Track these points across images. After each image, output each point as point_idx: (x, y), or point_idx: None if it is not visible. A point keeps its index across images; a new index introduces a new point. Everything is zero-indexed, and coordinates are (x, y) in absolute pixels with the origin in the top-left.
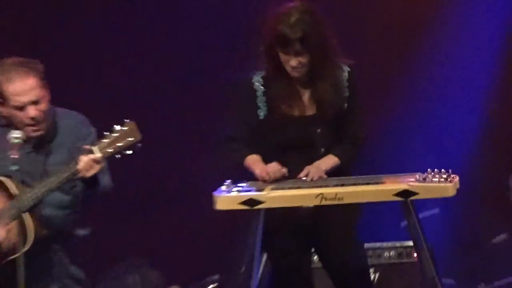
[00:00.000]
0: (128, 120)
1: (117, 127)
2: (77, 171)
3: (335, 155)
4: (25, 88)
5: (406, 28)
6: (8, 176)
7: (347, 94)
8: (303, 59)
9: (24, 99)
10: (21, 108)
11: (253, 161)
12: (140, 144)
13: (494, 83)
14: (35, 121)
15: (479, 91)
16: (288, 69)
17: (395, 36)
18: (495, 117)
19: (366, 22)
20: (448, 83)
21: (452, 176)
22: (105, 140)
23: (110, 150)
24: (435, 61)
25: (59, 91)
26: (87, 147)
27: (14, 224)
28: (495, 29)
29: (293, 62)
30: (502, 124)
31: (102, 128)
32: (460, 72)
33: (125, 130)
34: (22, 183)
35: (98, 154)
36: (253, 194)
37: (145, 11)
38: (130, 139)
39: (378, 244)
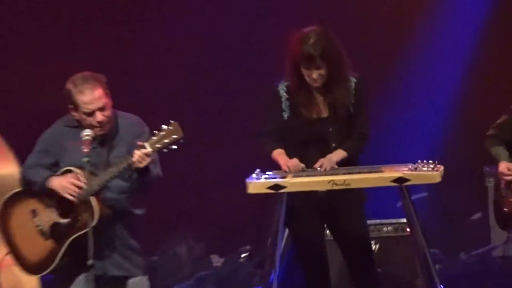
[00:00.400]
0: (173, 121)
1: (164, 127)
2: (132, 163)
3: (344, 149)
4: (93, 98)
5: (396, 32)
6: (80, 167)
7: (353, 100)
8: (322, 72)
9: (92, 107)
10: (90, 114)
11: (278, 154)
12: (182, 141)
13: (470, 82)
14: (101, 124)
15: (457, 92)
16: (309, 80)
17: (386, 38)
18: (471, 115)
19: (361, 24)
20: (433, 88)
21: (438, 166)
22: (154, 137)
23: (158, 146)
24: (418, 65)
25: (120, 96)
26: (140, 143)
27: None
28: (468, 30)
29: (315, 75)
30: (477, 121)
31: (153, 127)
32: (442, 75)
33: (171, 129)
34: (91, 173)
35: (149, 149)
36: (277, 180)
37: (189, 22)
38: (174, 136)
39: (378, 221)
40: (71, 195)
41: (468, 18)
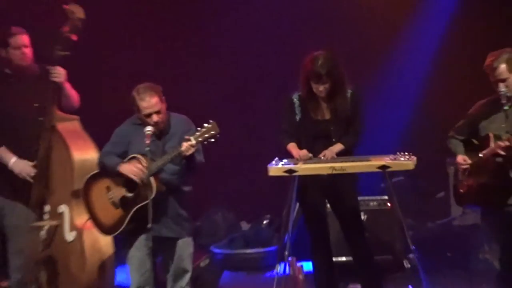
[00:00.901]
0: (212, 121)
1: (206, 125)
2: (181, 152)
3: (342, 143)
4: (150, 104)
5: (374, 38)
6: (142, 154)
7: (350, 106)
8: (327, 86)
9: (150, 111)
10: (148, 116)
11: (292, 146)
12: (219, 135)
13: (435, 85)
14: (156, 123)
15: (424, 94)
16: (316, 91)
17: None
18: (435, 114)
19: (343, 31)
20: (404, 89)
21: (411, 156)
22: (198, 133)
23: (200, 139)
24: (392, 69)
25: (173, 100)
26: (187, 137)
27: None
28: (433, 37)
29: (321, 88)
30: (441, 119)
31: (197, 124)
32: (410, 79)
33: (210, 126)
34: (151, 159)
35: (193, 141)
36: (291, 166)
37: (228, 41)
38: (213, 132)
39: (366, 197)
40: (135, 176)
41: (434, 25)
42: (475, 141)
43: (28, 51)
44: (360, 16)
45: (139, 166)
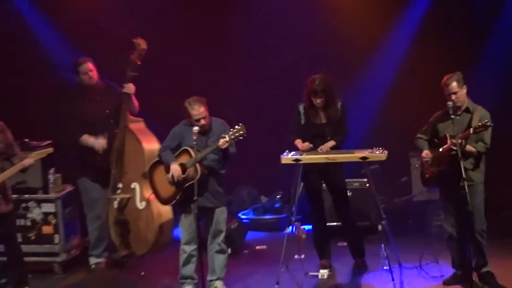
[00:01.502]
0: (241, 124)
1: (237, 126)
2: (218, 146)
3: (334, 140)
4: (199, 112)
5: (353, 47)
6: (191, 147)
7: (340, 114)
8: (322, 99)
9: (199, 117)
10: (197, 120)
11: (298, 142)
12: (246, 135)
13: (399, 92)
14: (202, 126)
15: (390, 98)
16: (315, 103)
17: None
18: (402, 116)
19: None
20: (375, 93)
21: (384, 150)
22: (231, 132)
23: (232, 137)
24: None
25: (214, 108)
26: (223, 135)
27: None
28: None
29: (318, 100)
30: (407, 120)
31: (231, 125)
32: (380, 86)
33: (239, 128)
34: (197, 150)
35: (227, 138)
36: (297, 156)
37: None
38: (241, 132)
39: (351, 179)
40: (174, 176)
41: (400, 42)
42: (436, 140)
43: (93, 74)
44: (342, 34)
45: (179, 171)
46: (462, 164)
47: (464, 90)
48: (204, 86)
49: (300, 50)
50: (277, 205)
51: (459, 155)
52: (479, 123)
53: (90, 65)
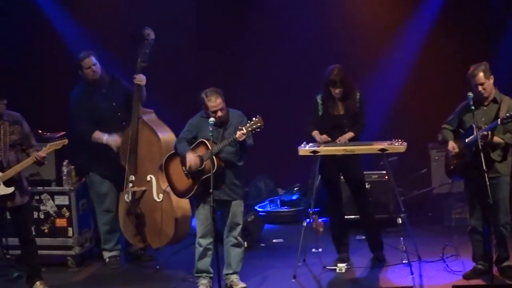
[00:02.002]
0: (259, 116)
1: (254, 118)
2: (236, 138)
3: (352, 132)
4: (216, 104)
5: (369, 42)
6: (207, 139)
7: (358, 105)
8: (340, 89)
9: (215, 109)
10: (214, 112)
11: (315, 134)
12: (263, 127)
13: (419, 84)
14: (219, 117)
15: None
16: (333, 93)
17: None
18: (420, 109)
19: (346, 36)
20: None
21: (403, 142)
22: (248, 124)
23: (250, 129)
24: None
25: (231, 99)
26: (240, 127)
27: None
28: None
29: (336, 91)
30: (425, 113)
31: (248, 117)
32: (396, 78)
33: (257, 120)
34: (213, 142)
35: (244, 131)
36: (315, 148)
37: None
38: (259, 124)
39: (369, 172)
40: (191, 166)
41: (418, 33)
42: (461, 131)
43: (96, 67)
44: (360, 25)
45: (196, 160)
46: (482, 156)
47: (491, 81)
48: (221, 77)
49: (318, 41)
50: (294, 198)
51: (480, 147)
52: (507, 114)
53: (92, 59)
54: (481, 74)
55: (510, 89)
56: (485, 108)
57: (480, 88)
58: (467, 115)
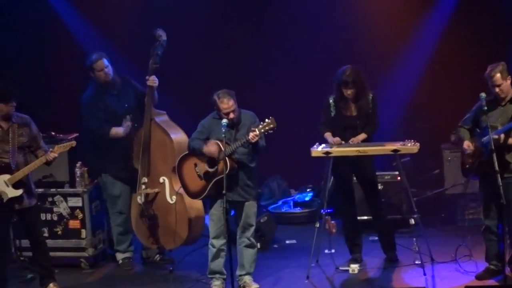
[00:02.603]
0: (271, 117)
1: (267, 120)
2: (248, 139)
3: (365, 133)
4: (228, 106)
5: (386, 43)
6: (220, 140)
7: (371, 105)
8: (353, 90)
9: (228, 110)
10: (226, 114)
11: (328, 135)
12: (276, 128)
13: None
14: (231, 119)
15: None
16: (345, 94)
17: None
18: (433, 110)
19: (363, 36)
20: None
21: (416, 143)
22: (261, 125)
23: (262, 130)
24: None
25: (243, 100)
26: (253, 128)
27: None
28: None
29: (349, 91)
30: (438, 113)
31: (261, 118)
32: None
33: (270, 121)
34: (226, 143)
35: (257, 132)
36: (328, 149)
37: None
38: (272, 125)
39: (382, 172)
40: (214, 154)
41: (431, 34)
42: (478, 130)
43: (108, 70)
44: (375, 31)
45: (216, 147)
46: (494, 157)
47: (508, 81)
48: (233, 78)
49: (332, 42)
50: (307, 199)
51: (492, 148)
52: None
53: (104, 62)
54: (498, 75)
55: None
56: (502, 108)
57: (497, 89)
58: (484, 114)
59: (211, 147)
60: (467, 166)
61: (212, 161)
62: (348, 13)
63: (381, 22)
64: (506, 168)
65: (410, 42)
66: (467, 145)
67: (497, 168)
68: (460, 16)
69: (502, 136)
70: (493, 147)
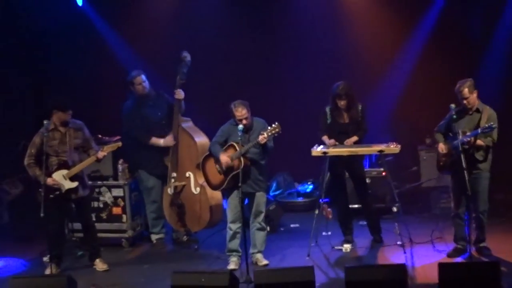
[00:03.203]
0: (277, 122)
1: (273, 125)
2: (258, 141)
3: (357, 136)
4: (242, 114)
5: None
6: (236, 142)
7: (360, 114)
8: (345, 101)
9: (241, 118)
10: (240, 120)
11: (325, 138)
12: (281, 132)
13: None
14: (245, 125)
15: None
16: (339, 105)
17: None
18: (410, 115)
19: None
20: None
21: (398, 145)
22: (268, 130)
23: (270, 134)
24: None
25: (255, 109)
26: (262, 132)
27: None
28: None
29: (342, 102)
30: (412, 120)
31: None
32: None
33: (275, 126)
34: (241, 145)
35: (265, 135)
36: (325, 149)
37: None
38: (277, 130)
39: (370, 169)
40: (224, 164)
41: (412, 52)
42: (450, 134)
43: (146, 84)
44: (366, 51)
45: (228, 159)
46: (463, 157)
47: (475, 95)
48: (248, 91)
49: (329, 61)
50: (308, 190)
51: (460, 149)
52: (486, 125)
53: (142, 77)
54: (466, 90)
55: (491, 95)
56: (470, 116)
57: (465, 101)
58: (455, 122)
59: (222, 158)
60: (441, 164)
61: (230, 159)
62: (345, 33)
63: (371, 44)
64: (474, 165)
65: (395, 61)
66: (441, 147)
67: (464, 165)
68: (435, 40)
69: (472, 139)
70: (461, 149)
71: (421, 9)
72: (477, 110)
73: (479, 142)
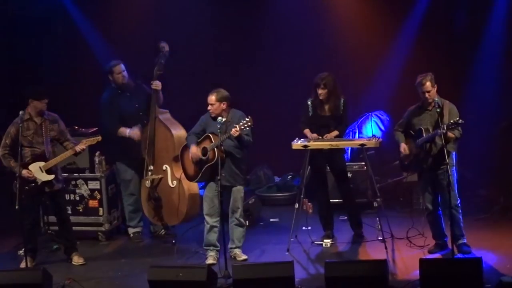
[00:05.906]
0: (249, 116)
1: (246, 119)
2: (230, 134)
3: (337, 130)
4: (209, 99)
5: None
6: (212, 133)
7: (342, 108)
8: (323, 91)
9: (208, 103)
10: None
11: (306, 131)
12: (253, 125)
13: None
14: (209, 110)
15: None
16: (320, 96)
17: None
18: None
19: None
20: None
21: (378, 139)
22: (241, 123)
23: (242, 127)
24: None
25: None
26: (235, 125)
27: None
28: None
29: (320, 91)
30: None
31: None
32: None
33: (248, 120)
34: (217, 136)
35: (237, 128)
36: (306, 143)
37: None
38: (249, 124)
39: (351, 163)
40: (192, 158)
41: (398, 55)
42: (412, 132)
43: (124, 73)
44: (355, 43)
45: (197, 153)
46: (432, 149)
47: (435, 89)
48: (229, 82)
49: (310, 51)
50: (288, 184)
51: (427, 147)
52: (452, 121)
53: (122, 66)
54: (428, 83)
55: (482, 89)
56: (430, 112)
57: (427, 95)
58: (415, 118)
59: (192, 153)
60: (406, 163)
61: (205, 151)
62: (330, 30)
63: (357, 39)
64: (442, 161)
65: (381, 59)
66: (403, 148)
67: (433, 159)
68: (422, 41)
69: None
70: (428, 147)
71: (408, 4)
72: (436, 105)
73: (450, 134)
